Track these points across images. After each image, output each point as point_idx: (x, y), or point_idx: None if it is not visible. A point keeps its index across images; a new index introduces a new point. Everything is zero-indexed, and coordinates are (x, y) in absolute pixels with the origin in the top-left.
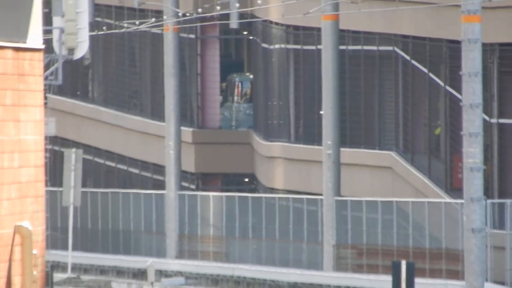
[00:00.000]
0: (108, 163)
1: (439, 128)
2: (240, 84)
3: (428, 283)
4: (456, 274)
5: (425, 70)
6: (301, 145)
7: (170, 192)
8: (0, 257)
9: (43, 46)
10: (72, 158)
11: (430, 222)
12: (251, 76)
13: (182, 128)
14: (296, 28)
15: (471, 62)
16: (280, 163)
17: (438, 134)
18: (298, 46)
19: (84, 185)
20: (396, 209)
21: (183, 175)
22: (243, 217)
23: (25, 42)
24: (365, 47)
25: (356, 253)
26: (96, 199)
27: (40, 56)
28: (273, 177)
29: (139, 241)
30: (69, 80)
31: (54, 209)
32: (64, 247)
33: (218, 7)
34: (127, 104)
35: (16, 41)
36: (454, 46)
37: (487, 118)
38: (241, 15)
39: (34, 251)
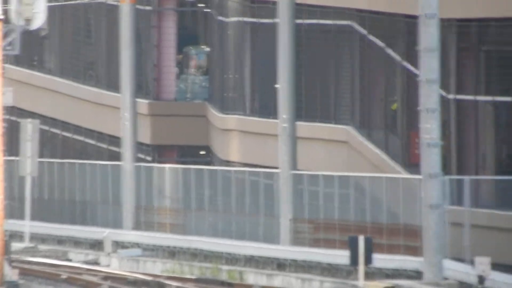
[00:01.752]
0: (64, 133)
1: (395, 104)
2: (196, 56)
3: (386, 258)
4: (414, 250)
5: (382, 45)
6: (257, 118)
7: (126, 163)
8: None
9: (1, 17)
10: (29, 129)
11: (388, 197)
12: (207, 49)
13: (138, 99)
14: (253, 1)
15: (428, 37)
16: (235, 136)
17: (395, 110)
18: (255, 20)
19: (40, 155)
20: (353, 184)
21: (139, 147)
22: (199, 190)
23: None
24: (321, 21)
25: (313, 228)
26: (53, 170)
27: None
28: (228, 150)
29: (96, 212)
30: (26, 50)
31: (11, 179)
32: (22, 217)
33: None
34: (83, 75)
35: None
36: (411, 21)
37: (444, 94)
38: None
39: None
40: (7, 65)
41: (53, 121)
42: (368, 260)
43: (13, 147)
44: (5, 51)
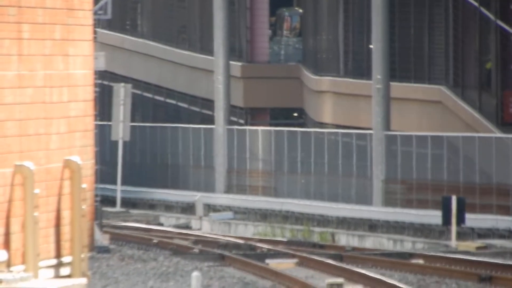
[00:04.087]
0: (157, 97)
1: (489, 63)
2: (289, 18)
3: (478, 218)
4: (506, 209)
5: (476, 4)
6: (350, 79)
7: (219, 126)
8: (50, 191)
9: None
10: (121, 93)
11: (481, 157)
12: (300, 10)
13: (231, 62)
14: None
15: None
16: (329, 97)
17: (489, 69)
18: None
19: (132, 119)
20: (447, 144)
21: (231, 110)
22: (292, 152)
23: None
24: None
25: (405, 188)
26: (145, 134)
27: None
28: (322, 112)
29: (188, 175)
30: (118, 14)
31: (103, 144)
32: (113, 182)
33: None
34: (176, 38)
35: None
36: None
37: None
38: None
39: (83, 185)
40: (99, 30)
41: (145, 85)
42: (460, 220)
43: (105, 112)
44: (97, 15)
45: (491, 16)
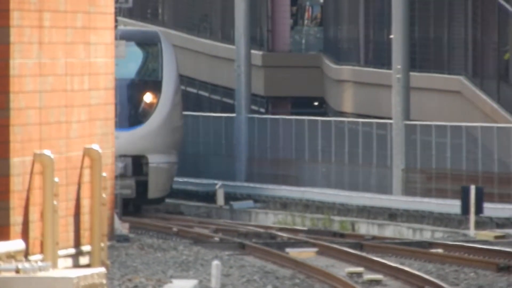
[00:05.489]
0: None
1: (508, 53)
2: (310, 7)
3: (497, 207)
4: None
5: None
6: (371, 69)
7: (240, 115)
8: (70, 179)
9: None
10: None
11: (499, 147)
12: (321, 0)
13: (252, 51)
14: None
15: None
16: (349, 87)
17: (508, 59)
18: None
19: None
20: (465, 134)
21: (252, 98)
22: (313, 141)
23: None
24: None
25: (425, 177)
26: None
27: None
28: (342, 101)
29: (208, 164)
30: (139, 2)
31: None
32: None
33: None
34: (197, 27)
35: None
36: None
37: None
38: None
39: (103, 174)
40: (120, 18)
41: None
42: (479, 209)
43: None
44: (118, 4)
45: (510, 8)
